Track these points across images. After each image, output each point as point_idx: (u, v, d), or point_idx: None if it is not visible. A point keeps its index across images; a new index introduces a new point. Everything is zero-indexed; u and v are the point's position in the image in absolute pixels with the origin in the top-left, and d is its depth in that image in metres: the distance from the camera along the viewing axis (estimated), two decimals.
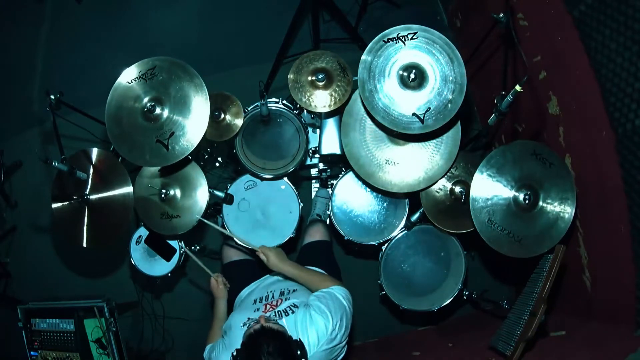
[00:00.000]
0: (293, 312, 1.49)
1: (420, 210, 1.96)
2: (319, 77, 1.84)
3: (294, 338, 1.36)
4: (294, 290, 1.66)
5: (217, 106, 1.92)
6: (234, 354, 1.32)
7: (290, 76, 1.87)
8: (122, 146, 1.77)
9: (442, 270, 2.12)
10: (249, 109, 1.99)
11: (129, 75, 1.78)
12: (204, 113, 1.73)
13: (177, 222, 1.93)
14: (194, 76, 1.75)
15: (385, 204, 2.12)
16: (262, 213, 2.11)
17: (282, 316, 1.49)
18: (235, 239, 1.90)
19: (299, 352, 1.31)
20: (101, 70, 2.63)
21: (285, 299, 1.59)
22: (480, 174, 1.71)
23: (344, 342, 1.50)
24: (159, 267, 2.19)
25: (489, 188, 1.71)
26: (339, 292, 1.54)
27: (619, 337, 1.65)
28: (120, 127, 1.77)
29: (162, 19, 3.14)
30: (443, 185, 1.92)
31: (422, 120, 1.62)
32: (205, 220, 1.86)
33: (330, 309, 1.45)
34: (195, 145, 1.72)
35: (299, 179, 2.72)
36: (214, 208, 2.28)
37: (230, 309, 1.90)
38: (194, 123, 1.73)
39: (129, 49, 3.03)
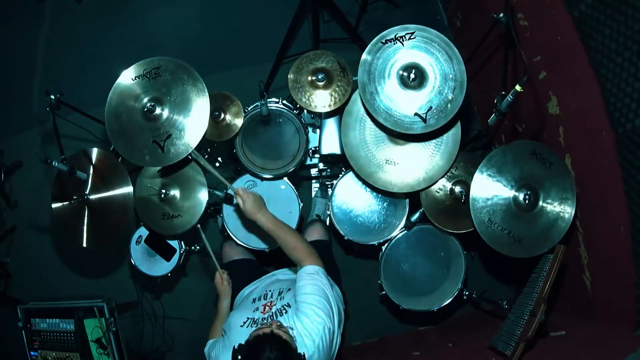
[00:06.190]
0: (286, 311, 1.49)
1: (420, 210, 1.96)
2: (319, 77, 1.84)
3: (299, 350, 1.35)
4: (288, 290, 1.66)
5: (217, 106, 1.92)
6: (236, 347, 1.32)
7: (290, 76, 1.87)
8: (119, 143, 1.77)
9: (442, 270, 2.12)
10: (249, 109, 1.99)
11: (133, 72, 1.77)
12: (203, 118, 1.73)
13: (177, 222, 1.93)
14: (197, 80, 1.75)
15: (385, 204, 2.12)
16: None
17: (277, 316, 1.49)
18: (204, 167, 1.72)
19: None
20: (101, 70, 2.62)
21: (281, 299, 1.59)
22: (480, 174, 1.71)
23: (338, 332, 1.49)
24: (159, 267, 2.19)
25: (489, 188, 1.71)
26: (316, 276, 1.50)
27: (619, 337, 1.65)
28: (120, 123, 1.77)
29: (162, 19, 3.14)
30: (443, 185, 1.92)
31: (424, 120, 1.62)
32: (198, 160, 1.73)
33: (316, 305, 1.43)
34: (190, 150, 1.72)
35: (299, 179, 2.72)
36: (214, 208, 2.28)
37: (231, 307, 1.90)
38: (192, 127, 1.73)
39: (129, 48, 3.03)
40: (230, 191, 1.63)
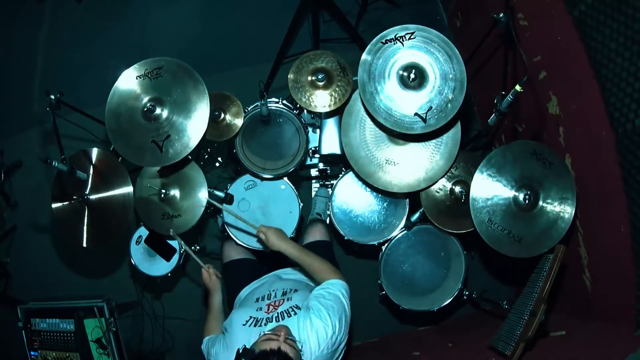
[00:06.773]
0: (295, 313, 1.48)
1: (420, 210, 1.96)
2: (319, 77, 1.84)
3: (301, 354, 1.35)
4: (295, 290, 1.66)
5: (217, 106, 1.92)
6: (240, 351, 1.31)
7: (290, 76, 1.87)
8: (119, 142, 1.77)
9: (442, 270, 2.12)
10: (249, 109, 1.99)
11: (134, 72, 1.78)
12: (203, 120, 1.73)
13: (177, 222, 1.92)
14: (198, 82, 1.75)
15: (385, 204, 2.12)
16: (262, 213, 2.11)
17: (284, 317, 1.48)
18: (233, 215, 1.85)
19: None
20: (101, 70, 2.62)
21: (287, 299, 1.58)
22: (480, 174, 1.71)
23: (344, 343, 1.50)
24: (159, 267, 2.19)
25: (489, 188, 1.71)
26: (340, 289, 1.52)
27: (619, 337, 1.65)
28: (119, 122, 1.77)
29: (162, 19, 3.14)
30: (443, 185, 1.92)
31: (424, 120, 1.62)
32: (212, 201, 1.87)
33: (330, 311, 1.43)
34: (189, 151, 1.72)
35: (299, 179, 2.72)
36: (214, 208, 2.28)
37: (230, 308, 1.90)
38: (191, 129, 1.73)
39: (129, 48, 3.03)
40: (251, 229, 1.79)
